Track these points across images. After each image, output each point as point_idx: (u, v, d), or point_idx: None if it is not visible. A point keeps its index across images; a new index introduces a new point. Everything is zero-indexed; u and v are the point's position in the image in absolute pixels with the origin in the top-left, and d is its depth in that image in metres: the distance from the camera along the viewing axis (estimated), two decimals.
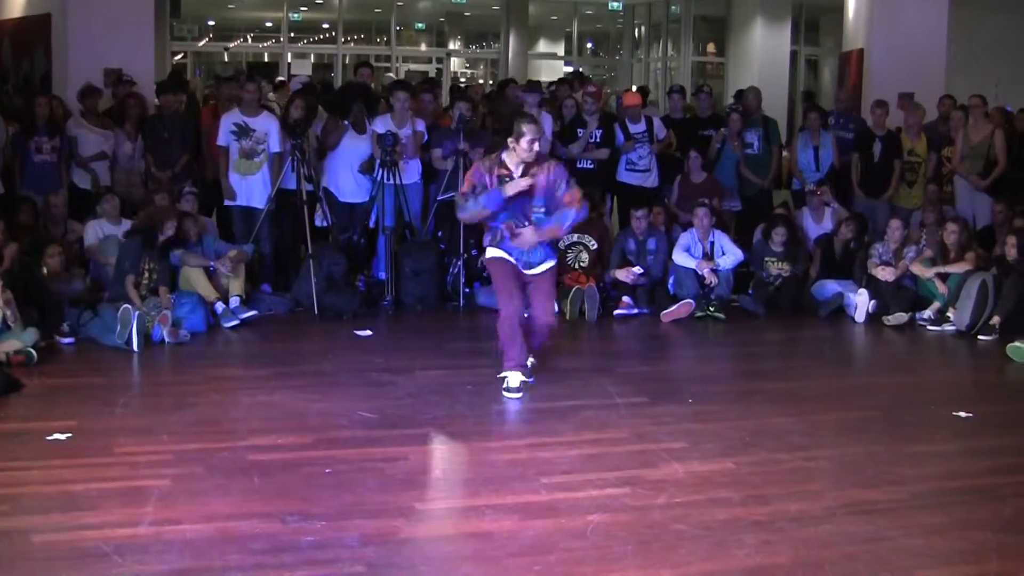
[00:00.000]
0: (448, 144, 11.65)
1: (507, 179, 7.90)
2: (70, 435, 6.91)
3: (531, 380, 8.16)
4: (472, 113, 12.11)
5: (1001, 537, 5.72)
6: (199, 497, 5.96)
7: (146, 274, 9.88)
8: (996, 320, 10.58)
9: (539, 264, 8.17)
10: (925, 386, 9.21)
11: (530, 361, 8.25)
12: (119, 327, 9.18)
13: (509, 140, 7.97)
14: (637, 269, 11.34)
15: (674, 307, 11.09)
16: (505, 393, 7.98)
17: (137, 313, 9.22)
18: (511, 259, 8.10)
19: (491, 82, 25.58)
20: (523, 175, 7.92)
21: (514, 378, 8.02)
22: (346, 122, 11.66)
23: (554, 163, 8.20)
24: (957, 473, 6.85)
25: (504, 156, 8.00)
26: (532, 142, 7.85)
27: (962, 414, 8.01)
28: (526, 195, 7.93)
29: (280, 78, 20.45)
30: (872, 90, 15.90)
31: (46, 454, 6.63)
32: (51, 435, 6.89)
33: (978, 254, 11.30)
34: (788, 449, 7.09)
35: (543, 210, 7.99)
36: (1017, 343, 9.75)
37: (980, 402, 8.50)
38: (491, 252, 8.16)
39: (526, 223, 7.99)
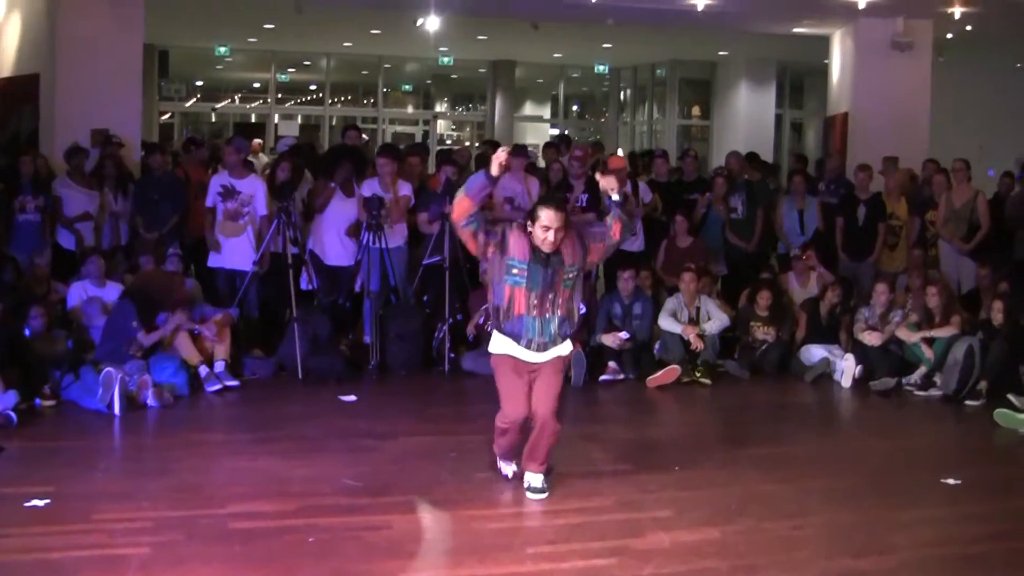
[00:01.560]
0: (434, 208, 11.63)
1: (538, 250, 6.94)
2: (48, 500, 6.83)
3: (509, 476, 7.56)
4: (459, 176, 12.11)
5: None
6: (179, 566, 5.88)
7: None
8: (983, 385, 10.55)
9: (552, 348, 7.14)
10: (913, 451, 9.14)
11: (511, 469, 7.57)
12: (101, 390, 9.11)
13: (527, 221, 6.98)
14: (623, 334, 11.30)
15: (660, 372, 11.05)
16: (529, 494, 7.24)
17: (120, 376, 9.15)
18: (518, 354, 7.13)
19: (476, 144, 25.62)
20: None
21: (507, 469, 7.59)
22: (333, 184, 11.63)
23: (576, 227, 7.20)
24: (947, 540, 6.81)
25: (518, 231, 7.00)
26: (547, 230, 6.82)
27: (950, 480, 7.96)
28: (556, 263, 6.96)
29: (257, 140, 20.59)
30: (856, 153, 16.01)
31: (24, 520, 6.54)
32: (29, 500, 6.81)
33: (963, 318, 11.30)
34: (776, 517, 7.03)
35: (572, 276, 7.05)
36: (1004, 408, 9.74)
37: (968, 468, 8.42)
38: (497, 346, 7.22)
39: (552, 296, 7.00)
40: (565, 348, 7.19)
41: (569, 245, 6.98)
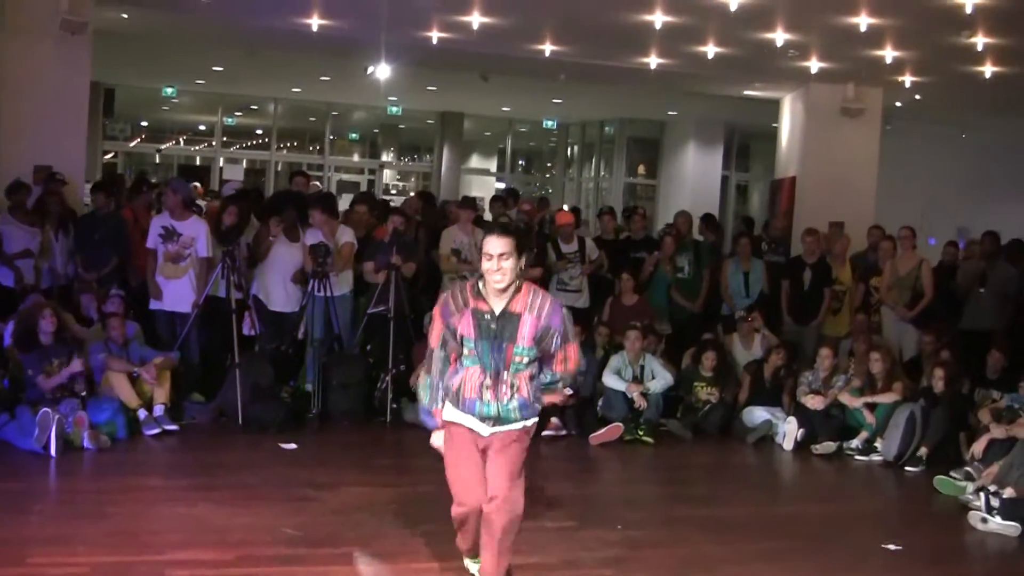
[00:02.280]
0: (381, 257, 11.61)
1: (486, 316, 5.92)
2: None
3: None
4: (406, 227, 12.09)
5: None
6: None
7: (55, 369, 9.70)
8: (924, 451, 10.64)
9: (511, 422, 6.07)
10: (854, 516, 9.15)
11: (477, 568, 6.44)
12: (37, 431, 8.96)
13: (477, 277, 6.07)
14: (567, 390, 11.24)
15: (603, 430, 11.02)
16: None
17: (56, 417, 9.01)
18: (472, 424, 6.10)
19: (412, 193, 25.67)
20: (506, 308, 5.93)
21: (473, 568, 6.47)
22: (272, 237, 11.52)
23: (552, 301, 6.04)
24: None
25: (481, 284, 5.98)
26: (490, 258, 5.83)
27: (891, 546, 7.98)
28: (508, 334, 5.93)
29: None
30: (803, 217, 16.14)
31: None
32: None
33: (906, 384, 11.38)
34: None
35: (526, 360, 5.99)
36: (944, 476, 9.80)
37: (908, 534, 8.48)
38: (449, 414, 6.17)
39: (501, 373, 5.97)
40: (531, 421, 6.15)
41: (533, 314, 5.94)
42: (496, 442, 6.04)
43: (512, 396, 5.97)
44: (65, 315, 10.42)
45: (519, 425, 6.05)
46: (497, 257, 5.80)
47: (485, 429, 6.03)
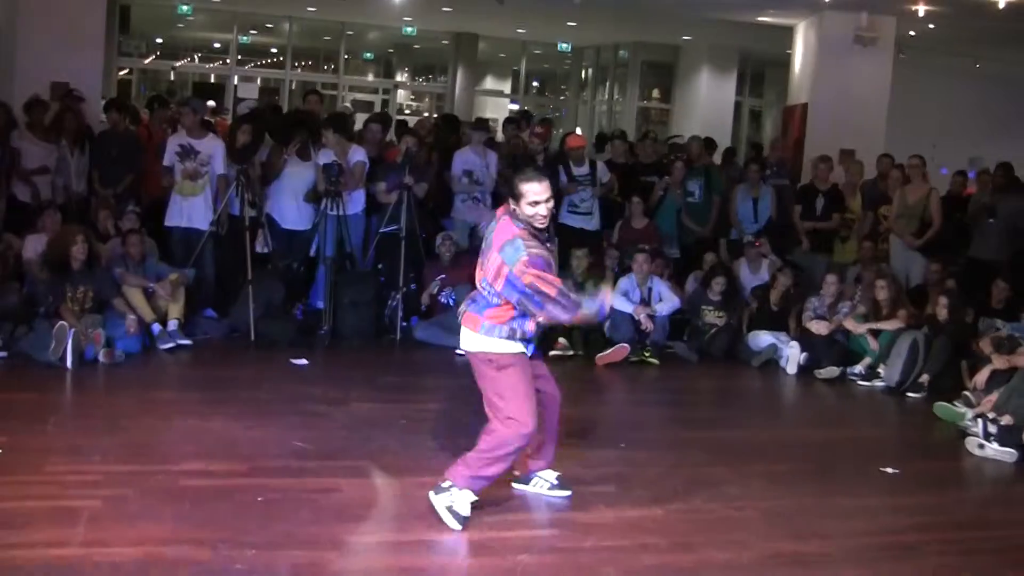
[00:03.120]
0: (393, 177, 11.70)
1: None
2: (0, 451, 6.86)
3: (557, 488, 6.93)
4: (419, 148, 12.16)
5: None
6: (130, 520, 5.93)
7: (80, 296, 9.82)
8: (925, 378, 10.75)
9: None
10: (854, 441, 9.29)
11: (554, 476, 6.95)
12: (53, 343, 9.11)
13: (511, 203, 6.19)
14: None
15: (609, 351, 11.15)
16: (447, 516, 6.23)
17: (72, 331, 9.16)
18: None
19: (434, 115, 25.65)
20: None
21: (465, 501, 6.30)
22: (285, 157, 11.65)
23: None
24: (881, 528, 6.95)
25: (521, 227, 6.10)
26: (536, 204, 6.06)
27: (889, 470, 8.12)
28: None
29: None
30: (814, 144, 16.16)
31: None
32: None
33: (910, 312, 11.48)
34: (718, 499, 7.15)
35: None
36: (944, 402, 9.93)
37: (907, 459, 8.61)
38: (511, 346, 6.30)
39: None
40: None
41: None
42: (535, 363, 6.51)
43: None
44: (96, 244, 10.54)
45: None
46: (544, 202, 6.07)
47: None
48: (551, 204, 6.14)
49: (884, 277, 11.73)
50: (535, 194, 6.05)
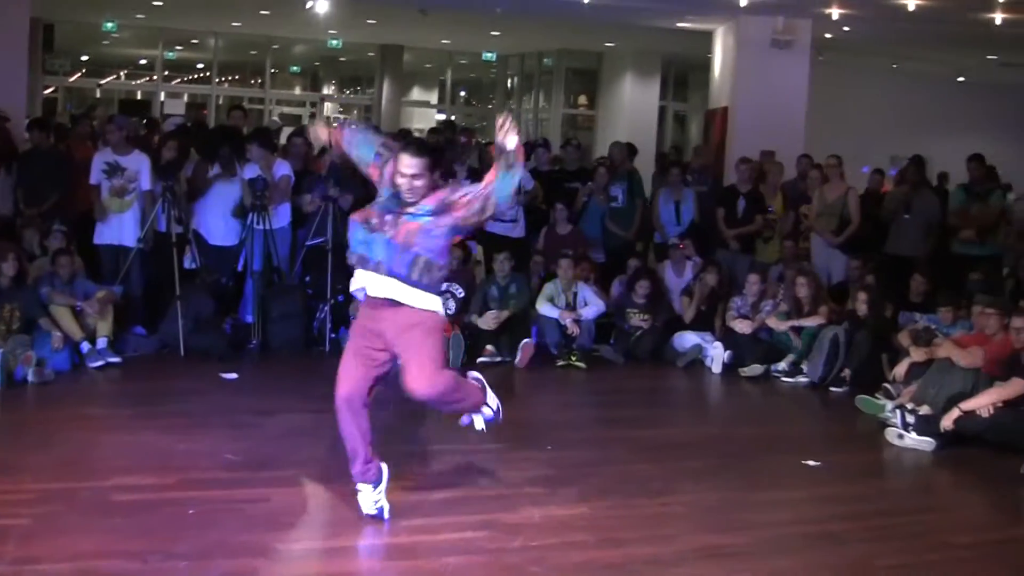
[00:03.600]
0: (319, 189, 11.76)
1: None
2: None
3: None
4: (343, 160, 12.22)
5: None
6: (61, 536, 5.97)
7: (7, 315, 9.81)
8: (847, 373, 10.98)
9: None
10: (777, 435, 9.48)
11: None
12: None
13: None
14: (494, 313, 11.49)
15: (519, 354, 11.37)
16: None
17: (1, 352, 9.17)
18: None
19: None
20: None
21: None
22: (213, 171, 11.69)
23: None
24: (805, 519, 7.13)
25: None
26: (402, 176, 6.13)
27: (811, 462, 8.32)
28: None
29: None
30: (736, 147, 16.35)
31: None
32: None
33: (831, 308, 11.70)
34: (644, 495, 7.30)
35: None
36: (866, 395, 10.15)
37: (829, 451, 8.83)
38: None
39: None
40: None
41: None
42: None
43: None
44: (61, 256, 10.58)
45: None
46: (409, 177, 6.11)
47: None
48: (417, 183, 6.10)
49: (805, 275, 11.93)
50: (403, 165, 6.10)
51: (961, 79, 24.65)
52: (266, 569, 5.74)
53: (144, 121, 16.63)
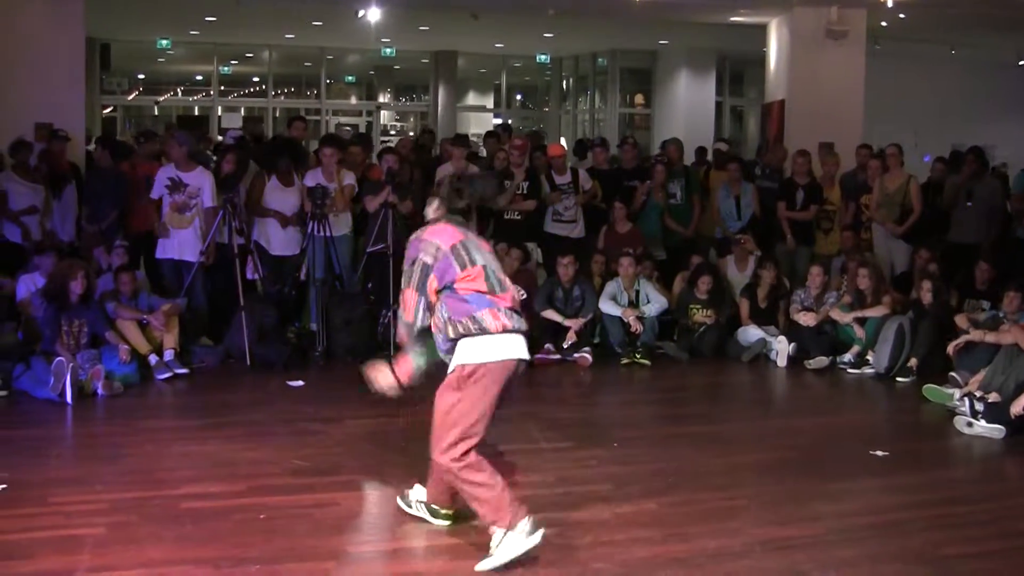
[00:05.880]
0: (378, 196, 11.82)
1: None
2: (4, 487, 6.96)
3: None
4: (399, 166, 12.31)
5: (911, 568, 6.00)
6: (133, 545, 6.04)
7: (76, 330, 9.93)
8: (913, 362, 10.90)
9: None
10: (844, 426, 9.46)
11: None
12: (52, 380, 9.23)
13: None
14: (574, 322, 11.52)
15: (576, 354, 11.44)
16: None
17: (71, 366, 9.28)
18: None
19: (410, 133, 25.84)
20: None
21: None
22: (271, 180, 11.80)
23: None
24: (871, 509, 7.08)
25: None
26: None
27: (878, 452, 8.28)
28: None
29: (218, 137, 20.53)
30: (792, 139, 16.28)
31: None
32: None
33: (894, 298, 11.63)
34: (709, 489, 7.30)
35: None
36: (933, 385, 10.07)
37: (896, 441, 8.80)
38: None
39: None
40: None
41: None
42: None
43: None
44: (123, 272, 10.74)
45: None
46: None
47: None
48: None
49: (866, 266, 11.86)
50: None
51: (1023, 63, 24.40)
52: (336, 572, 5.79)
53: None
